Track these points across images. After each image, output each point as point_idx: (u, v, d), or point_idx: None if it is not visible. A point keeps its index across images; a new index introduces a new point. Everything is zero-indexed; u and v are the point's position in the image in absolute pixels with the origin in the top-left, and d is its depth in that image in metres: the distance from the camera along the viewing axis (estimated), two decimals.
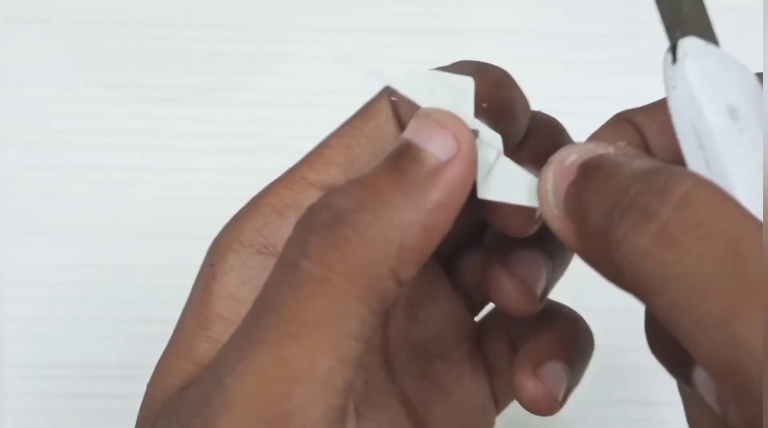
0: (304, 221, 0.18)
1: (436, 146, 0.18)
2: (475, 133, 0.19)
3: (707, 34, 0.18)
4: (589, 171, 0.18)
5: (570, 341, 0.24)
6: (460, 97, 0.19)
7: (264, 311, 0.18)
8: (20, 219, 0.39)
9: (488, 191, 0.19)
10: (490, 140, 0.19)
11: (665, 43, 0.45)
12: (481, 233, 0.24)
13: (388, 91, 0.21)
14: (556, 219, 0.18)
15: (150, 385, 0.20)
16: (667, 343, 0.20)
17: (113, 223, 0.39)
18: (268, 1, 0.42)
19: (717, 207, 0.15)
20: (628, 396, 0.38)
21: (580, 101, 0.41)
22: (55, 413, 0.37)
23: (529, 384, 0.22)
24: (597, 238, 0.17)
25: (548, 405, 0.22)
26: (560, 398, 0.22)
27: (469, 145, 0.18)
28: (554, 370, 0.22)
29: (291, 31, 0.42)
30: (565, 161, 0.18)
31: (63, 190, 0.39)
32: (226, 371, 0.18)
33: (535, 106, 0.41)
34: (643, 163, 0.17)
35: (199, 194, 0.39)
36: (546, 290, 0.23)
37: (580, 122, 0.44)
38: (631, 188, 0.16)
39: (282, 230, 0.20)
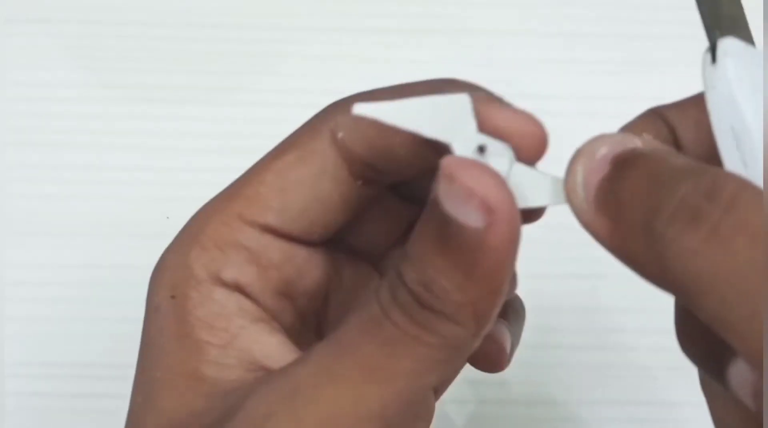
0: (389, 288, 0.19)
1: (470, 217, 0.17)
2: (482, 148, 0.19)
3: (745, 34, 0.18)
4: (625, 166, 0.18)
5: (506, 304, 0.25)
6: (459, 117, 0.19)
7: (347, 352, 0.19)
8: (20, 219, 0.39)
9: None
10: (500, 151, 0.19)
11: (665, 43, 0.45)
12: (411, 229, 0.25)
13: (332, 128, 0.21)
14: (586, 214, 0.18)
15: (157, 405, 0.21)
16: (699, 340, 0.21)
17: (113, 223, 0.39)
18: (268, 1, 0.42)
19: (762, 208, 0.16)
20: (628, 397, 0.38)
21: (580, 101, 0.41)
22: (55, 413, 0.37)
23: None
24: (637, 235, 0.17)
25: (499, 358, 0.23)
26: (508, 351, 0.24)
27: (504, 204, 0.17)
28: (498, 326, 0.24)
29: (291, 31, 0.42)
30: (594, 153, 0.18)
31: (63, 190, 0.39)
32: (295, 394, 0.19)
33: (535, 106, 0.41)
34: (680, 161, 0.17)
35: (199, 194, 0.38)
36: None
37: (581, 122, 0.44)
38: (677, 188, 0.17)
39: (226, 266, 0.21)
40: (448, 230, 0.18)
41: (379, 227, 0.24)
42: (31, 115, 0.40)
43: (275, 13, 0.42)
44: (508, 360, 0.24)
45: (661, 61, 0.42)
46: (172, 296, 0.21)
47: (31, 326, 0.37)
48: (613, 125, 0.42)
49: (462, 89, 0.20)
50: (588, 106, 0.41)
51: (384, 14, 0.42)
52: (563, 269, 0.39)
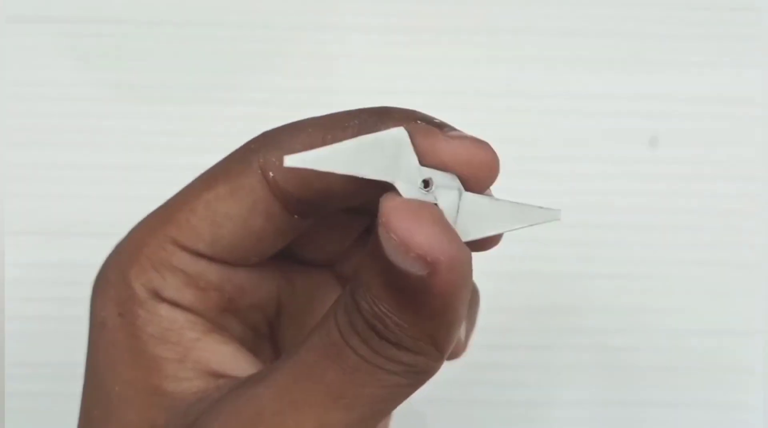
0: (346, 313, 0.18)
1: (412, 267, 0.17)
2: (427, 182, 0.18)
3: None
4: None
5: None
6: (397, 153, 0.18)
7: (309, 377, 0.18)
8: (20, 218, 0.39)
9: (468, 233, 0.19)
10: (447, 183, 0.18)
11: (665, 43, 0.45)
12: (364, 234, 0.24)
13: (262, 165, 0.20)
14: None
15: (119, 420, 0.20)
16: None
17: (114, 222, 0.38)
18: (269, 0, 0.42)
19: None
20: (624, 397, 0.38)
21: (580, 100, 0.41)
22: (55, 413, 0.37)
23: None
24: None
25: (455, 347, 0.23)
26: (464, 338, 0.23)
27: (444, 254, 0.17)
28: None
29: (292, 30, 0.42)
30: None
31: (63, 189, 0.39)
32: (258, 419, 0.18)
33: (537, 105, 0.41)
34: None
35: None
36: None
37: (584, 122, 0.44)
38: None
39: (162, 285, 0.21)
40: (393, 273, 0.17)
41: (326, 239, 0.23)
42: (30, 114, 0.40)
43: (276, 12, 0.42)
44: (465, 348, 0.23)
45: (661, 60, 0.41)
46: (120, 314, 0.21)
47: (32, 325, 0.37)
48: (612, 124, 0.42)
49: (396, 119, 0.19)
50: (588, 105, 0.41)
51: (385, 13, 0.42)
52: (566, 269, 0.39)
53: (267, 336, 0.24)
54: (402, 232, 0.17)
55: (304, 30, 0.42)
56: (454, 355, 0.23)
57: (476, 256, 0.23)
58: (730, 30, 0.42)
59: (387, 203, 0.17)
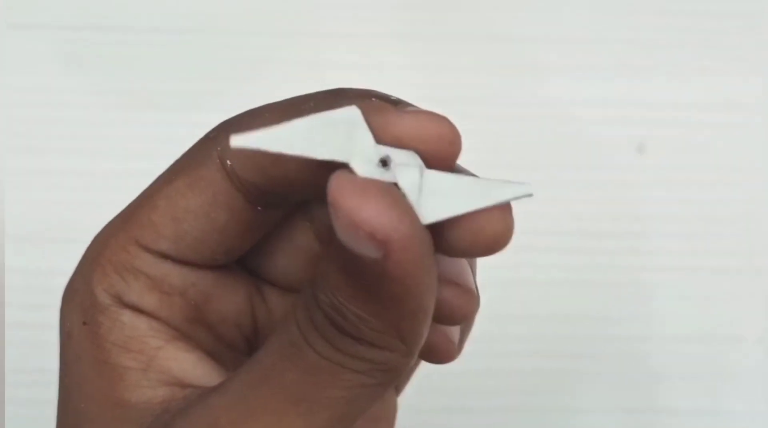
0: (306, 309, 0.17)
1: (364, 249, 0.16)
2: (384, 161, 0.17)
3: None
4: None
5: None
6: (351, 132, 0.17)
7: (267, 381, 0.17)
8: (21, 224, 0.39)
9: (430, 213, 0.17)
10: (407, 160, 0.17)
11: (656, 50, 0.45)
12: None
13: (219, 154, 0.19)
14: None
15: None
16: None
17: None
18: (256, 7, 0.42)
19: None
20: (623, 403, 0.38)
21: (571, 108, 0.41)
22: (54, 420, 0.37)
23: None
24: None
25: (447, 349, 0.21)
26: (456, 342, 0.22)
27: (397, 233, 0.16)
28: None
29: (278, 37, 0.42)
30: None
31: (64, 195, 0.40)
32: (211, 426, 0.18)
33: (527, 112, 0.41)
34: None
35: None
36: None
37: (575, 129, 0.44)
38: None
39: (125, 289, 0.20)
40: (348, 258, 0.16)
41: (297, 262, 0.22)
42: (31, 121, 0.40)
43: (263, 19, 0.42)
44: (458, 351, 0.22)
45: (651, 67, 0.42)
46: (84, 323, 0.20)
47: (31, 332, 0.37)
48: (603, 131, 0.43)
49: (351, 98, 0.18)
50: (579, 112, 0.41)
51: (373, 19, 0.42)
52: (548, 276, 0.39)
53: (247, 353, 0.22)
54: (349, 209, 0.15)
55: (296, 37, 0.42)
56: (447, 358, 0.21)
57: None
58: (723, 37, 0.42)
59: (335, 180, 0.16)
